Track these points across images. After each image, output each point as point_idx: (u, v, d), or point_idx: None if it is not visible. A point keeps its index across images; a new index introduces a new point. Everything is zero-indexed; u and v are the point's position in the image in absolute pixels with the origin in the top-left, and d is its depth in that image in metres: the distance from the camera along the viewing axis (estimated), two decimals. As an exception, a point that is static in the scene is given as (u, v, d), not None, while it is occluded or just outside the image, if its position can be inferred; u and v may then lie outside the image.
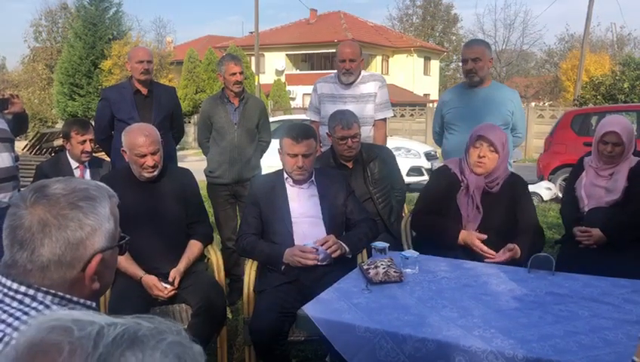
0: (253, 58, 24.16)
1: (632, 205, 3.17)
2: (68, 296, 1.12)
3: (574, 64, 25.89)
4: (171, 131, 4.32)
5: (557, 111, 16.38)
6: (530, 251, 2.84)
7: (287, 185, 2.99)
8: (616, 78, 17.85)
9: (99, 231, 1.16)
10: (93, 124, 4.14)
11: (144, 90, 4.17)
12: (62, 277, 1.12)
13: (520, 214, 2.99)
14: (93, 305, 1.18)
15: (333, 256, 2.76)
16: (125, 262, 2.82)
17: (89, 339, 0.59)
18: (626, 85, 17.06)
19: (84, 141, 3.81)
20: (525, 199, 3.06)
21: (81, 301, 1.15)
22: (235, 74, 4.06)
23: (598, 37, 37.64)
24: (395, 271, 2.45)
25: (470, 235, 2.92)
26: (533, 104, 20.41)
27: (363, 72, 4.14)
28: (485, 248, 2.87)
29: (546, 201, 8.17)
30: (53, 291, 1.11)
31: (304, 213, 2.95)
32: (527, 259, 2.61)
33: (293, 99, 28.67)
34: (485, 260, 2.78)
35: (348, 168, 3.49)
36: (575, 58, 26.55)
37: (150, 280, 2.80)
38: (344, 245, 2.83)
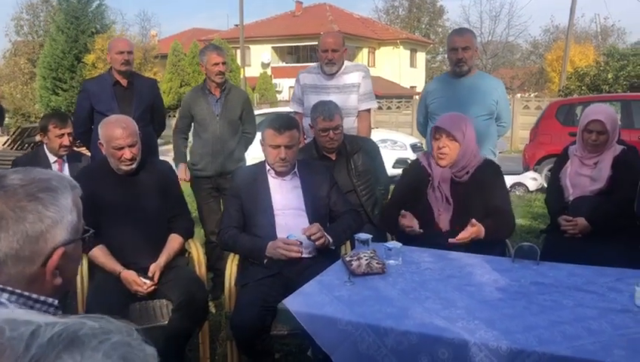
0: (238, 51, 24.00)
1: (616, 194, 3.16)
2: (26, 294, 1.06)
3: (559, 55, 26.02)
4: (152, 124, 4.25)
5: (542, 102, 16.44)
6: (498, 233, 2.81)
7: (269, 177, 2.94)
8: (601, 68, 18.00)
9: (60, 224, 1.09)
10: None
11: (124, 82, 4.09)
12: (20, 273, 1.06)
13: (489, 198, 2.90)
14: (55, 302, 1.12)
15: (317, 243, 2.72)
16: (103, 257, 2.76)
17: (20, 340, 0.54)
18: (610, 76, 17.20)
19: (62, 135, 3.73)
20: (496, 183, 2.97)
21: (42, 298, 1.09)
22: (217, 64, 3.99)
23: (583, 28, 37.96)
24: (377, 263, 2.41)
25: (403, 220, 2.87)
26: (519, 95, 20.54)
27: (346, 63, 4.09)
28: (409, 223, 2.82)
29: (532, 192, 8.19)
30: (10, 288, 1.04)
31: (287, 205, 2.90)
32: (496, 240, 2.57)
33: (279, 92, 28.56)
34: (450, 240, 2.71)
35: (331, 160, 3.44)
36: (560, 49, 26.67)
37: (129, 275, 2.74)
38: (328, 236, 2.78)
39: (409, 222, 2.85)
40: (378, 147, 3.76)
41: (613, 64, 17.98)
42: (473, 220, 2.72)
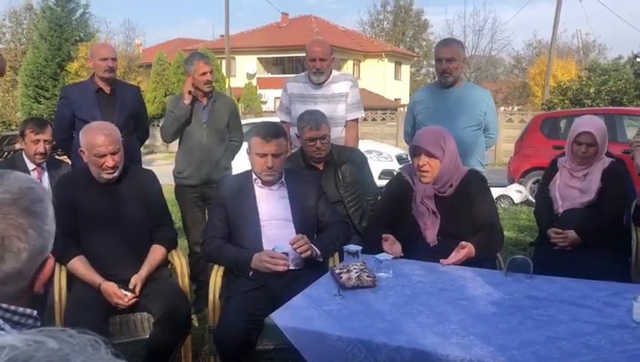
0: (224, 61, 23.92)
1: (606, 206, 3.14)
2: (12, 308, 1.02)
3: (542, 69, 26.34)
4: (136, 132, 4.15)
5: (526, 115, 16.60)
6: (489, 248, 2.75)
7: (255, 187, 2.87)
8: (583, 83, 18.25)
9: (53, 236, 1.08)
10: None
11: (107, 89, 4.00)
12: (15, 290, 1.02)
13: (476, 209, 2.83)
14: (34, 313, 1.07)
15: (302, 255, 2.64)
16: (83, 269, 2.67)
17: None
18: (592, 90, 17.44)
19: (38, 141, 3.62)
20: (481, 196, 2.90)
21: (20, 310, 1.04)
22: (205, 73, 3.91)
23: (565, 43, 38.44)
24: (368, 276, 2.34)
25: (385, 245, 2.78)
26: (502, 109, 20.68)
27: (334, 72, 4.04)
28: (390, 249, 2.73)
29: (517, 204, 8.20)
30: (5, 305, 1.00)
31: (273, 216, 2.83)
32: (487, 256, 2.50)
33: (264, 102, 28.50)
34: (442, 261, 2.63)
35: (318, 170, 3.38)
36: (543, 63, 27.02)
37: (109, 287, 2.64)
38: (315, 248, 2.71)
39: (390, 248, 2.76)
40: (366, 157, 3.71)
41: (595, 79, 18.25)
42: (463, 242, 2.64)
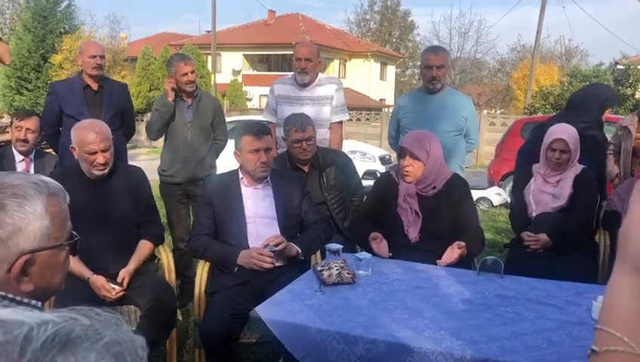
0: (209, 57, 23.87)
1: (576, 212, 3.29)
2: (18, 298, 1.08)
3: (525, 74, 26.65)
4: (122, 128, 4.22)
5: (508, 119, 16.82)
6: (474, 249, 2.90)
7: (241, 185, 2.96)
8: (564, 88, 18.50)
9: (24, 231, 1.10)
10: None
11: (94, 86, 4.06)
12: None
13: (459, 215, 2.99)
14: (39, 304, 1.14)
15: (278, 248, 2.72)
16: (72, 262, 2.72)
17: (15, 344, 0.54)
18: (573, 96, 17.62)
19: (21, 128, 3.69)
20: (464, 200, 3.06)
21: (25, 300, 1.11)
22: (186, 74, 3.97)
23: (548, 48, 38.84)
24: (348, 273, 2.46)
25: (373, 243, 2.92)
26: (485, 112, 20.93)
27: (320, 75, 4.14)
28: (378, 250, 2.87)
29: (496, 206, 8.37)
30: (11, 295, 1.07)
31: (259, 214, 2.93)
32: (470, 256, 2.63)
33: (249, 99, 28.47)
34: (437, 262, 2.79)
35: (304, 172, 3.48)
36: (526, 68, 27.33)
37: (98, 280, 2.72)
38: (295, 246, 2.82)
39: (377, 248, 2.89)
40: (351, 159, 3.82)
41: (576, 84, 18.50)
42: (459, 242, 2.79)
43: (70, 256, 2.75)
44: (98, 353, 0.56)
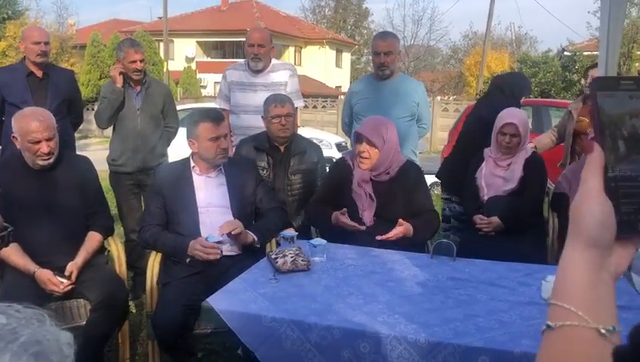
0: (161, 44, 23.35)
1: (527, 194, 3.36)
2: None
3: (477, 60, 27.12)
4: (69, 117, 4.08)
5: (461, 105, 17.09)
6: (425, 231, 2.92)
7: (193, 174, 2.90)
8: (515, 74, 18.84)
9: None
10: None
11: (39, 73, 3.91)
12: None
13: (414, 200, 3.01)
14: None
15: (233, 232, 2.68)
16: (16, 256, 2.63)
17: None
18: (522, 82, 18.04)
19: None
20: (419, 186, 3.09)
21: None
22: (135, 62, 3.86)
23: (499, 35, 39.58)
24: (302, 260, 2.44)
25: (336, 216, 2.93)
26: (438, 98, 21.18)
27: (274, 61, 4.09)
28: (351, 222, 2.89)
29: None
30: None
31: (212, 203, 2.87)
32: (423, 238, 2.68)
33: (204, 87, 28.04)
34: (377, 237, 2.79)
35: (280, 151, 3.45)
36: (478, 55, 27.82)
37: (44, 274, 2.62)
38: (252, 234, 2.78)
39: (346, 220, 2.90)
40: (321, 151, 3.82)
41: (526, 70, 18.95)
42: (400, 220, 2.80)
43: (14, 250, 2.65)
44: (14, 354, 0.52)
